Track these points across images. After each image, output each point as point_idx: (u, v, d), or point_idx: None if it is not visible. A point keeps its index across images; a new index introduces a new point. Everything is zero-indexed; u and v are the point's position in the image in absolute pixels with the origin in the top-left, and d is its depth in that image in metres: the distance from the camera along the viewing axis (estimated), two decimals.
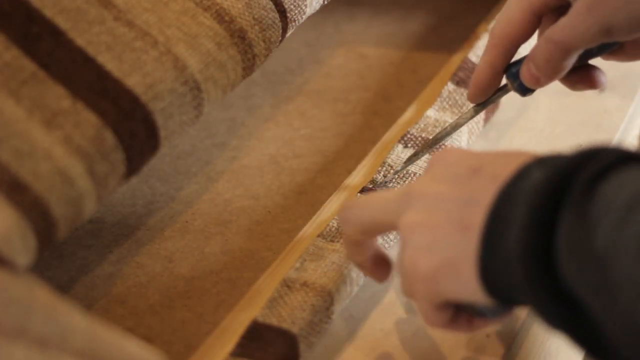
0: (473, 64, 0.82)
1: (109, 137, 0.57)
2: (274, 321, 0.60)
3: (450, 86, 0.80)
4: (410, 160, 0.72)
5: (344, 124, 0.84)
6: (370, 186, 0.71)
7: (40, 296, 0.49)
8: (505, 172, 0.51)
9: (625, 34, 0.63)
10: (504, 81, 0.69)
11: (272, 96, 0.88)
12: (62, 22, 0.60)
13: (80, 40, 0.60)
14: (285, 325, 0.60)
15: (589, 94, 0.85)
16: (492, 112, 0.81)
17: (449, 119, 0.77)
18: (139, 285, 0.67)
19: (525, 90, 0.68)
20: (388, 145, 0.76)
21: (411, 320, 0.63)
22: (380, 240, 0.65)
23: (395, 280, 0.64)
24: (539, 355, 0.63)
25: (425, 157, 0.73)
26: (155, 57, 0.61)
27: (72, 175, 0.55)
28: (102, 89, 0.58)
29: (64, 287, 0.67)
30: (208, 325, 0.64)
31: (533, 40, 0.67)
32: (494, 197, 0.50)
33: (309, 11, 0.72)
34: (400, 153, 0.74)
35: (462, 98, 0.80)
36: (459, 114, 0.77)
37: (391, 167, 0.73)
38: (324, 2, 0.74)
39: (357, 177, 0.74)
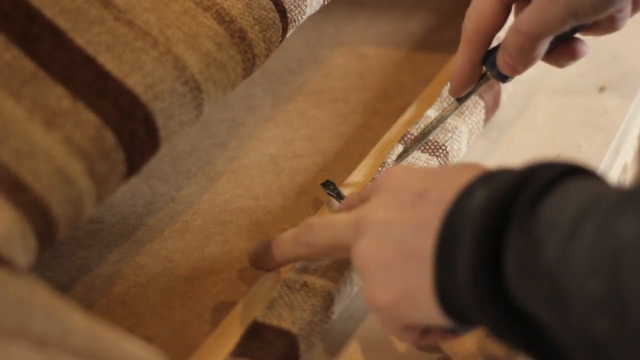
0: None
1: (109, 137, 0.57)
2: (274, 321, 0.60)
3: None
4: (401, 157, 0.73)
5: (344, 124, 0.84)
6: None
7: (40, 296, 0.49)
8: (449, 195, 0.51)
9: (590, 15, 0.63)
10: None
11: (272, 96, 0.88)
12: (62, 22, 0.60)
13: (80, 40, 0.60)
14: (285, 325, 0.60)
15: (589, 94, 0.85)
16: (492, 112, 0.81)
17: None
18: (139, 285, 0.67)
19: (504, 77, 0.69)
20: (388, 145, 0.76)
21: None
22: None
23: None
24: None
25: (418, 154, 0.73)
26: (155, 57, 0.61)
27: (72, 175, 0.55)
28: (102, 89, 0.58)
29: (64, 287, 0.67)
30: (208, 325, 0.64)
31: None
32: (440, 223, 0.51)
33: (309, 11, 0.72)
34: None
35: None
36: (459, 114, 0.77)
37: (390, 166, 0.73)
38: (324, 2, 0.74)
39: (357, 177, 0.74)
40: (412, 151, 0.73)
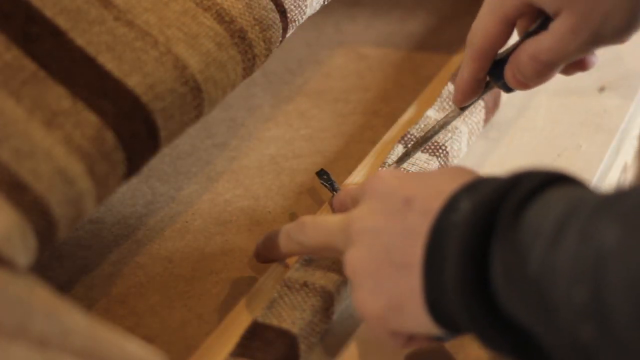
0: None
1: (109, 137, 0.57)
2: (274, 321, 0.60)
3: (450, 86, 0.80)
4: (402, 160, 0.73)
5: (344, 124, 0.84)
6: None
7: (40, 296, 0.49)
8: (435, 205, 0.52)
9: (611, 41, 0.64)
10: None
11: (272, 96, 0.88)
12: (62, 22, 0.60)
13: (80, 40, 0.60)
14: (285, 325, 0.60)
15: (589, 94, 0.85)
16: (492, 112, 0.81)
17: None
18: (139, 285, 0.67)
19: (509, 88, 0.69)
20: (388, 145, 0.76)
21: None
22: None
23: None
24: None
25: (418, 154, 0.73)
26: (155, 57, 0.61)
27: (72, 175, 0.55)
28: (103, 89, 0.58)
29: (64, 287, 0.67)
30: (208, 325, 0.64)
31: None
32: (427, 234, 0.51)
33: (309, 11, 0.72)
34: (400, 153, 0.74)
35: None
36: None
37: (391, 167, 0.73)
38: (324, 2, 0.74)
39: (358, 177, 0.74)
40: (414, 154, 0.73)
